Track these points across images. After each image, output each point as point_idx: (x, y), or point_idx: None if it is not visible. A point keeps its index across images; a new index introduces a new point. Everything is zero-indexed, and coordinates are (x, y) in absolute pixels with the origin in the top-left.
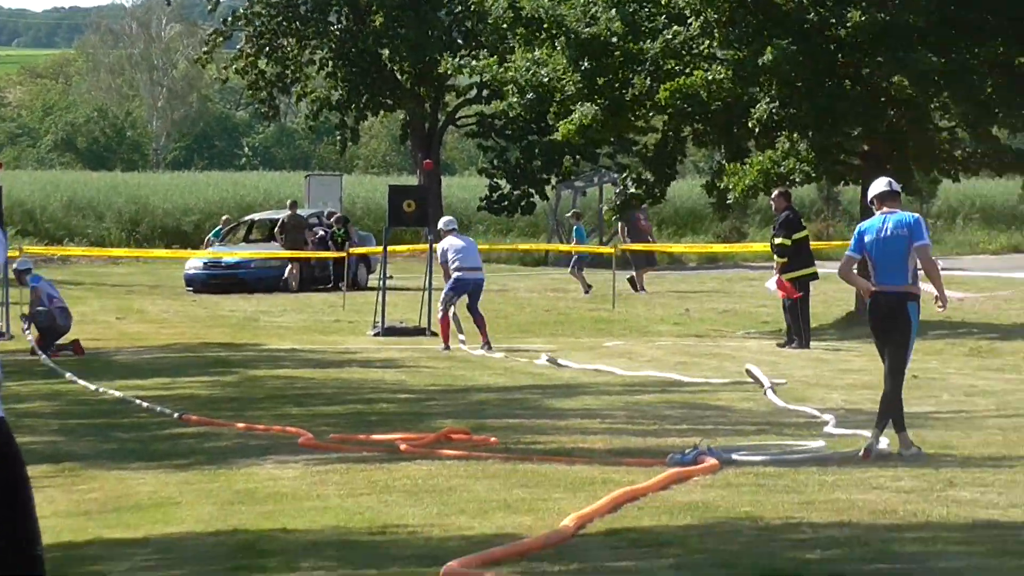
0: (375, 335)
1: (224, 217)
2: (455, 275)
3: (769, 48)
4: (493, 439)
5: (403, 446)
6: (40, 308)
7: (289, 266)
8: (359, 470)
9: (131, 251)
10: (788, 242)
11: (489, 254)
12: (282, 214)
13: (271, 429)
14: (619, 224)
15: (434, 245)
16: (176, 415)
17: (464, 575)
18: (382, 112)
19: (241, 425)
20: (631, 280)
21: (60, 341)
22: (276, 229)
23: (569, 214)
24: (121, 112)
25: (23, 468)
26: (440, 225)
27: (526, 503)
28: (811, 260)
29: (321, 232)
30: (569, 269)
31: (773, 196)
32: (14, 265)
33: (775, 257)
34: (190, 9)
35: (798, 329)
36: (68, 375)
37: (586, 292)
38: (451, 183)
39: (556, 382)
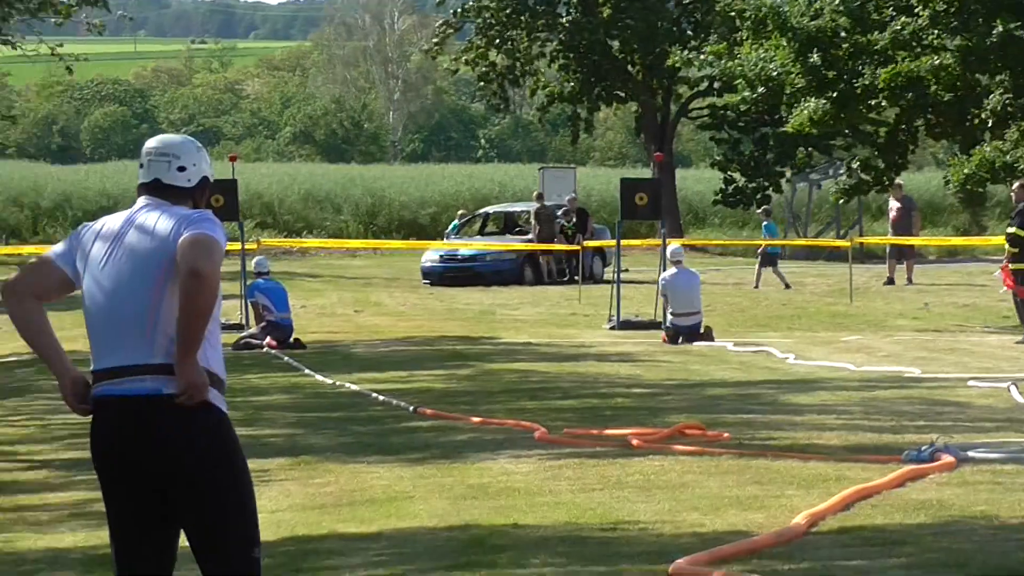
0: (611, 328)
1: (460, 211)
2: (669, 319)
3: (1000, 20)
4: (726, 435)
5: (635, 441)
6: (268, 319)
7: (543, 258)
8: (592, 465)
9: (368, 243)
10: (1022, 232)
11: (726, 248)
12: (518, 207)
13: (505, 423)
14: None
15: (667, 240)
16: (411, 409)
17: (692, 573)
18: (615, 104)
19: (476, 419)
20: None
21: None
22: (533, 219)
23: (760, 211)
24: (358, 104)
25: (242, 471)
26: (668, 254)
27: (759, 500)
28: None
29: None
30: (760, 265)
31: (1014, 187)
32: (253, 262)
33: (1006, 247)
34: (423, 1)
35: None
36: (306, 369)
37: (786, 287)
38: (686, 175)
39: (792, 377)
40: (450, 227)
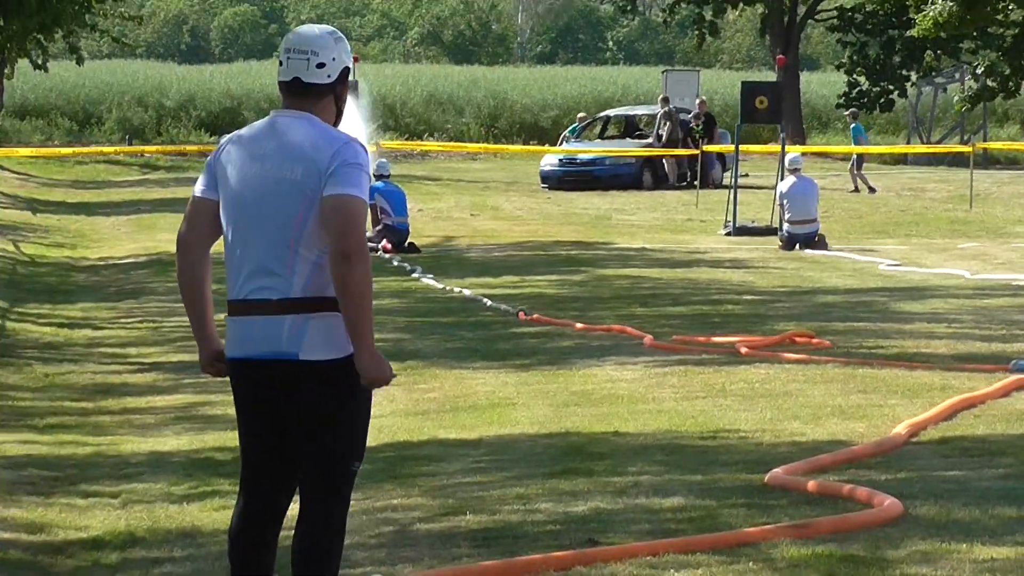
0: (726, 234)
1: (580, 115)
2: (786, 227)
3: None
4: (827, 343)
5: (743, 349)
6: (385, 223)
7: (668, 161)
8: (697, 372)
9: (488, 147)
10: None
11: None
12: (638, 110)
13: (611, 329)
14: None
15: (787, 147)
16: (517, 313)
17: (788, 483)
18: (742, 5)
19: (580, 325)
20: None
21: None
22: (660, 121)
23: (847, 112)
24: (486, 5)
25: (364, 404)
26: (786, 163)
27: (861, 409)
28: None
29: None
30: (850, 168)
31: None
32: (375, 164)
33: None
34: None
35: None
36: (416, 273)
37: (871, 192)
38: (811, 79)
39: (905, 285)
40: (568, 130)
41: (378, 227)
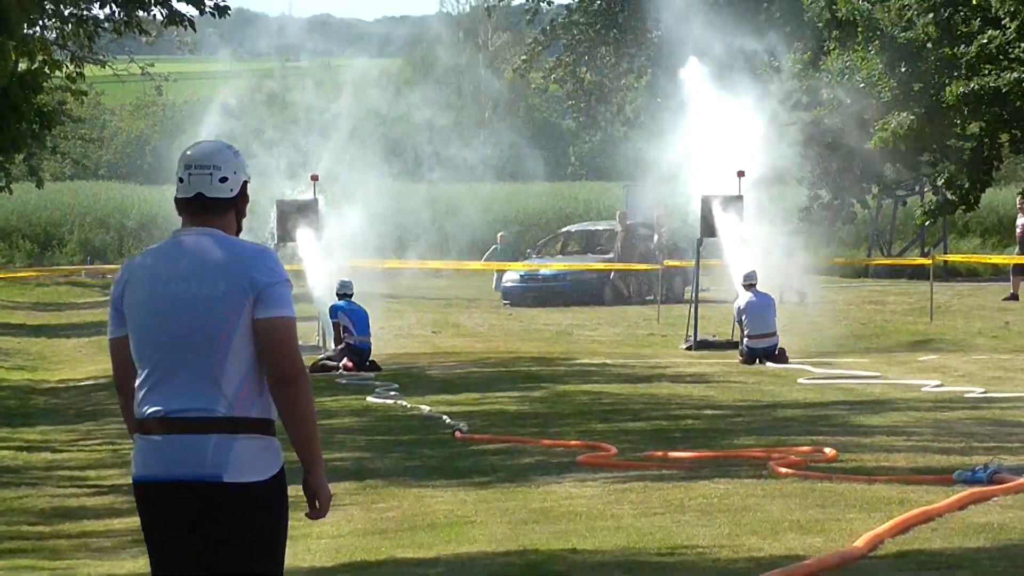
0: (687, 349)
1: (500, 234)
2: (745, 342)
3: None
4: (793, 457)
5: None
6: (347, 342)
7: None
8: (656, 488)
9: (450, 263)
10: None
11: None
12: (599, 225)
13: (542, 442)
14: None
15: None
16: (454, 432)
17: None
18: None
19: (519, 439)
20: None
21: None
22: (618, 238)
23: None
24: (448, 121)
25: (284, 529)
26: (741, 278)
27: (819, 523)
28: None
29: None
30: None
31: None
32: (337, 283)
33: None
34: (518, 18)
35: None
36: (377, 391)
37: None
38: (773, 192)
39: (865, 398)
40: (489, 251)
41: (340, 346)
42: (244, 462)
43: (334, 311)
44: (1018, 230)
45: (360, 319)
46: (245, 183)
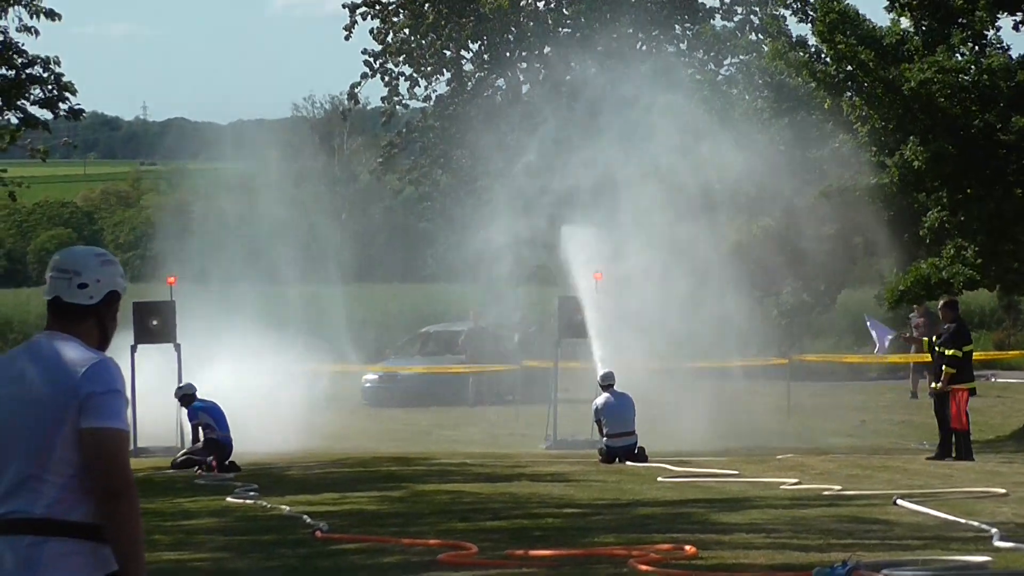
0: (547, 448)
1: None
2: (604, 440)
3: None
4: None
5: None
6: (211, 437)
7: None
8: None
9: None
10: (960, 353)
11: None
12: (457, 326)
13: (403, 541)
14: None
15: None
16: (314, 531)
17: None
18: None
19: (379, 539)
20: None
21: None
22: (462, 340)
23: None
24: (304, 225)
25: None
26: (598, 379)
27: None
28: (972, 375)
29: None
30: None
31: (939, 307)
32: (178, 387)
33: (944, 368)
34: (374, 122)
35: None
36: (236, 490)
37: None
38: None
39: (724, 496)
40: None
41: (198, 444)
42: (58, 566)
43: (193, 412)
44: (914, 332)
45: (219, 416)
46: (111, 293)
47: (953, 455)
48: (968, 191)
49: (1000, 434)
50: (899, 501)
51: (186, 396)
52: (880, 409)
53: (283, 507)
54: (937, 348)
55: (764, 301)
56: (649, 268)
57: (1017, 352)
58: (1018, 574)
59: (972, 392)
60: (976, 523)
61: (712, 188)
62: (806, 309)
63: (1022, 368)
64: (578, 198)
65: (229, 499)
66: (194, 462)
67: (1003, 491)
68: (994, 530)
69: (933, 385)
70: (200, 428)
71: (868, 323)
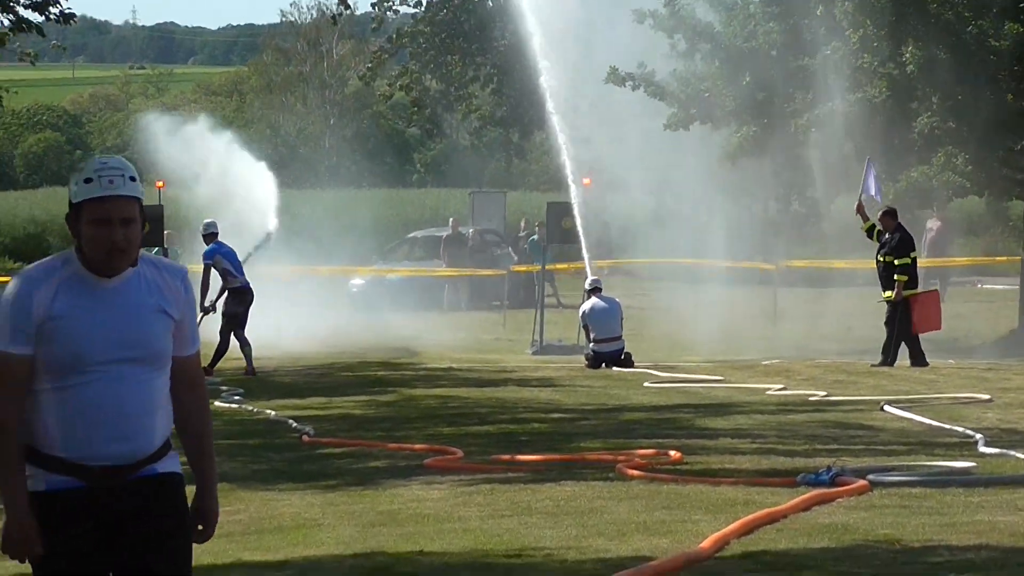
0: (533, 354)
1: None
2: (591, 346)
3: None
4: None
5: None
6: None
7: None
8: (503, 491)
9: (297, 268)
10: (909, 261)
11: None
12: (445, 232)
13: (389, 446)
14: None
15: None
16: (301, 436)
17: None
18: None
19: (366, 443)
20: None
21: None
22: (443, 245)
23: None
24: (293, 130)
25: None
26: (585, 284)
27: (666, 525)
28: (917, 282)
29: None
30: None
31: (879, 216)
32: (203, 224)
33: (896, 277)
34: (363, 27)
35: (889, 345)
36: (223, 394)
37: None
38: (615, 199)
39: (710, 401)
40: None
41: (222, 292)
42: None
43: (210, 254)
44: (930, 235)
45: (235, 260)
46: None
47: (911, 362)
48: (959, 97)
49: (986, 340)
50: (886, 407)
51: (210, 234)
52: (867, 315)
53: (269, 412)
54: (882, 258)
55: (753, 209)
56: (638, 174)
57: (1004, 258)
58: (1002, 479)
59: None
60: (961, 429)
61: (702, 95)
62: (799, 219)
63: (1009, 275)
64: (567, 103)
65: (216, 403)
66: (206, 310)
67: (988, 397)
68: (979, 436)
69: (886, 295)
70: (215, 270)
71: (868, 166)
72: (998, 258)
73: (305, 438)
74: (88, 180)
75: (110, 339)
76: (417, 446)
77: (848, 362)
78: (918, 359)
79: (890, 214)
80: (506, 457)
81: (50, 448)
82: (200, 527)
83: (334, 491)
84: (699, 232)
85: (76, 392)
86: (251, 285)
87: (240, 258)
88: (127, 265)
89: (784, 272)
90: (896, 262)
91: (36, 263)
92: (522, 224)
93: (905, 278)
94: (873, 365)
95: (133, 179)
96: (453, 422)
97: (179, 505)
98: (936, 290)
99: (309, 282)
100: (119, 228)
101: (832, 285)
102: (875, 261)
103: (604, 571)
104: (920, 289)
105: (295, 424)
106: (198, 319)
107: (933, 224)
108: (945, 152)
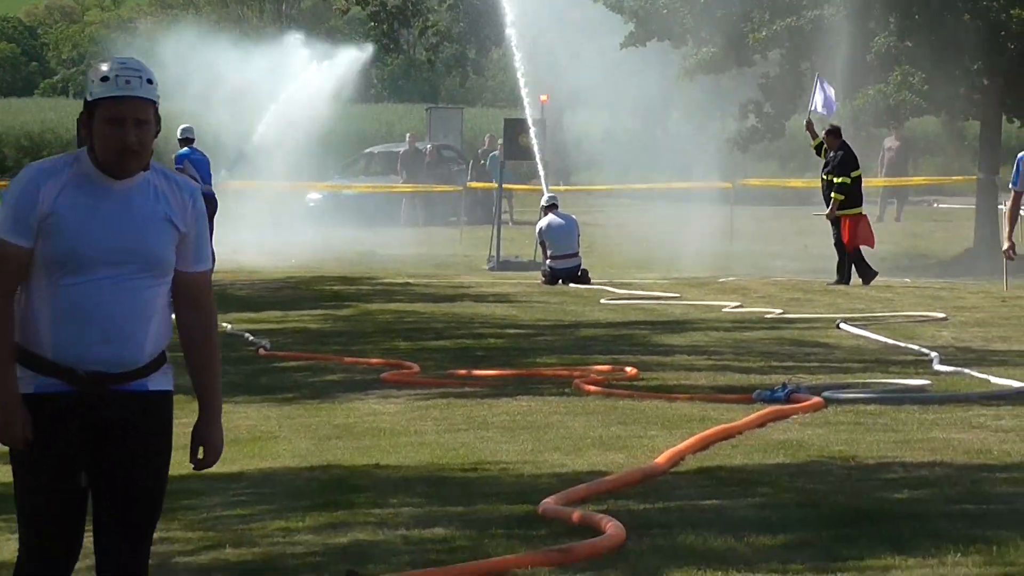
0: (490, 269)
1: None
2: (548, 263)
3: None
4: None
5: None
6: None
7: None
8: (460, 405)
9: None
10: (848, 180)
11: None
12: (401, 147)
13: (345, 360)
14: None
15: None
16: (257, 349)
17: (561, 513)
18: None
19: (322, 357)
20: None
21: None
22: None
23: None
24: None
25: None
26: (542, 201)
27: (621, 440)
28: (861, 200)
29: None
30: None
31: (824, 134)
32: (179, 129)
33: (833, 195)
34: None
35: (842, 264)
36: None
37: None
38: (575, 117)
39: (666, 318)
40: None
41: None
42: None
43: (180, 158)
44: (889, 154)
45: (204, 168)
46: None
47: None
48: (916, 17)
49: (942, 259)
50: (842, 325)
51: (185, 139)
52: (823, 234)
53: (225, 325)
54: (825, 176)
55: (709, 127)
56: (595, 92)
57: (960, 178)
58: (957, 397)
59: (860, 216)
60: (916, 347)
61: (660, 11)
62: (757, 136)
63: (965, 194)
64: (525, 20)
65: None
66: None
67: (943, 316)
68: (934, 354)
69: (824, 213)
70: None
71: (818, 82)
72: (955, 177)
73: (261, 351)
74: (105, 79)
75: (109, 239)
76: (373, 360)
77: (804, 280)
78: (865, 273)
79: (833, 132)
80: (463, 372)
81: (40, 348)
82: (200, 456)
83: (290, 404)
84: (656, 151)
85: (69, 291)
86: (215, 195)
87: (212, 170)
88: (138, 168)
89: (740, 190)
90: (836, 180)
91: (48, 158)
92: (485, 140)
93: (842, 197)
94: (829, 284)
95: (151, 81)
96: (409, 337)
97: (166, 424)
98: (865, 215)
99: (266, 196)
100: (132, 129)
101: (788, 203)
102: (820, 179)
103: (560, 485)
104: (863, 208)
105: (251, 337)
106: None
107: (891, 143)
108: (902, 71)
